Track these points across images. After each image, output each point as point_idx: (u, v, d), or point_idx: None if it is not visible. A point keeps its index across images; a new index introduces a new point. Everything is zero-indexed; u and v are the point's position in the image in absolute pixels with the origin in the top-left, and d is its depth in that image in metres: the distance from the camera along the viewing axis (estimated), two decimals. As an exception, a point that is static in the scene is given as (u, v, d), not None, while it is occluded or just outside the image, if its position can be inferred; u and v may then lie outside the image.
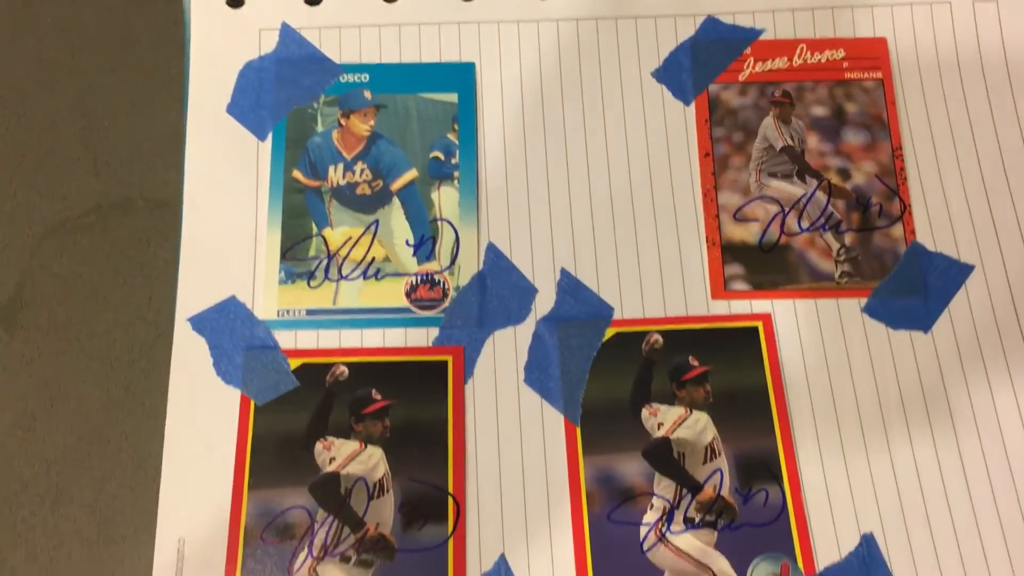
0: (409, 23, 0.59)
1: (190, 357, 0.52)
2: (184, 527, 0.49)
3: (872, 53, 0.59)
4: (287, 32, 0.58)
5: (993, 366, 0.53)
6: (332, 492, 0.50)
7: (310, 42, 0.58)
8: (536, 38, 0.59)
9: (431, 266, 0.55)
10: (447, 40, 0.59)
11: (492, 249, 0.55)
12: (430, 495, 0.50)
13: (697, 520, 0.50)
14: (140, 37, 0.60)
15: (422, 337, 0.53)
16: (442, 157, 0.57)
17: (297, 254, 0.55)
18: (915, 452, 0.51)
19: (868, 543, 0.50)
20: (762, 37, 0.59)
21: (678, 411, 0.52)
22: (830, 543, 0.50)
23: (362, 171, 0.56)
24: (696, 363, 0.53)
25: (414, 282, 0.54)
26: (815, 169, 0.57)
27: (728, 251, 0.55)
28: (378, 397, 0.52)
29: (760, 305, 0.54)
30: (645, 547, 0.49)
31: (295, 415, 0.51)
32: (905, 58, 0.59)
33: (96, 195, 0.56)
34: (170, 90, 0.58)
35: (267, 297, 0.54)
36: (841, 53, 0.59)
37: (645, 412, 0.52)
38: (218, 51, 0.58)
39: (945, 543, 0.50)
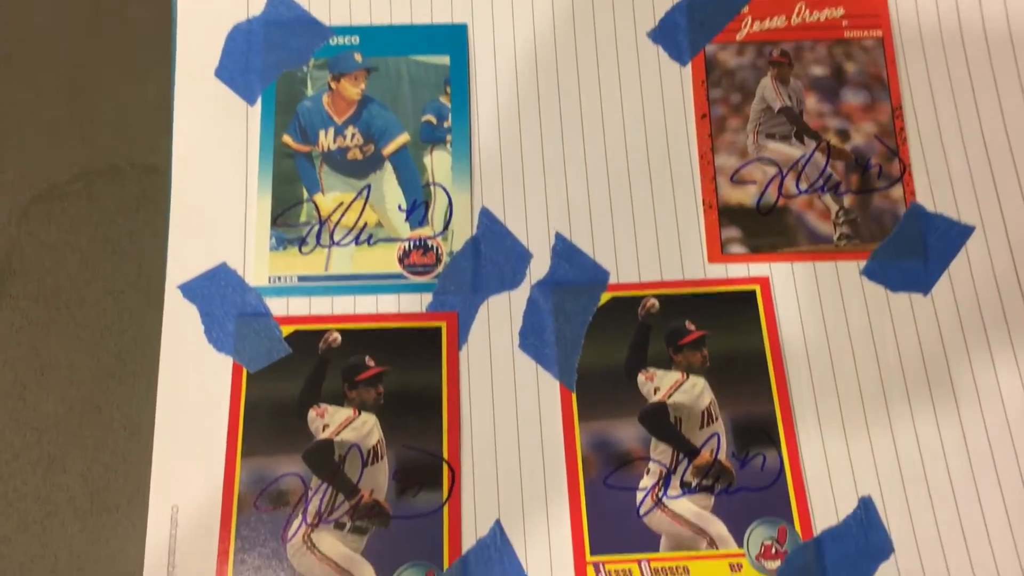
0: (400, -16, 0.58)
1: (181, 325, 0.52)
2: (177, 495, 0.49)
3: (872, 11, 0.58)
4: (276, -6, 0.58)
5: (993, 327, 0.53)
6: (326, 459, 0.50)
7: (299, 4, 0.58)
8: (529, -2, 0.58)
9: (424, 231, 0.54)
10: (438, 1, 0.58)
11: (486, 213, 0.54)
12: (424, 462, 0.50)
13: (694, 485, 0.50)
14: (126, 0, 0.59)
15: (415, 303, 0.53)
16: (434, 121, 0.56)
17: (288, 220, 0.54)
18: (913, 415, 0.51)
19: (866, 506, 0.49)
20: (760, -5, 0.58)
21: (675, 376, 0.52)
22: (828, 506, 0.50)
23: (353, 135, 0.56)
24: (693, 327, 0.52)
25: (407, 247, 0.54)
26: (814, 130, 0.56)
27: (725, 214, 0.55)
28: (371, 364, 0.51)
29: (758, 268, 0.54)
30: (642, 512, 0.49)
31: (288, 382, 0.51)
32: (905, 16, 0.58)
33: (84, 161, 0.56)
34: (157, 54, 0.57)
35: (258, 264, 0.53)
36: (840, 11, 0.58)
37: (641, 377, 0.52)
38: (206, 14, 0.57)
39: (943, 505, 0.49)
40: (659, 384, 0.51)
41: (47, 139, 0.56)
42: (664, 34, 0.58)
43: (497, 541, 0.49)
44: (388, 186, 0.55)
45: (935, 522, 0.49)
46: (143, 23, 0.58)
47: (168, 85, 0.57)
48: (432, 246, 0.54)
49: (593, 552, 0.48)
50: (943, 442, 0.50)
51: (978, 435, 0.51)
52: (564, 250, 0.54)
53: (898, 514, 0.49)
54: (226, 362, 0.51)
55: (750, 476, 0.50)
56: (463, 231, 0.54)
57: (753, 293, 0.53)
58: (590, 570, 0.48)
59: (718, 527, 0.49)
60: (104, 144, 0.56)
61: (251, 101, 0.56)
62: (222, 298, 0.52)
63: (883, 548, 0.49)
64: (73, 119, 0.56)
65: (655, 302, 0.53)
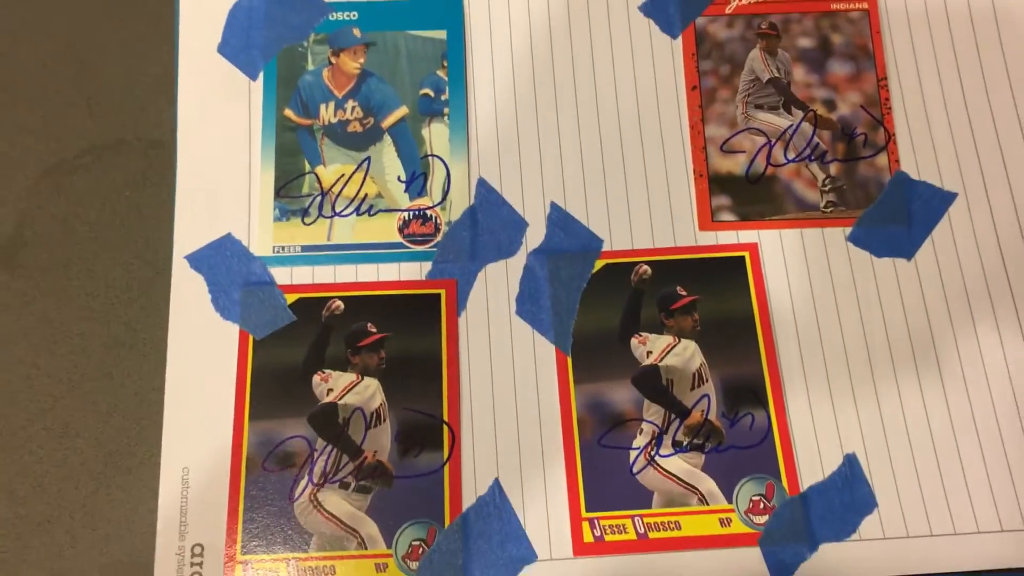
0: (397, -40, 0.59)
1: (189, 294, 0.53)
2: (188, 457, 0.51)
3: (858, -16, 0.59)
4: (275, -29, 0.59)
5: (973, 291, 0.54)
6: (331, 422, 0.51)
7: (299, -20, 0.59)
8: (524, -27, 0.59)
9: (423, 201, 0.55)
10: (435, -24, 0.59)
11: (483, 184, 0.56)
12: (425, 423, 0.51)
13: (685, 444, 0.52)
14: (129, -22, 0.60)
15: (415, 271, 0.54)
16: (432, 94, 0.57)
17: (291, 191, 0.55)
18: (897, 376, 0.53)
19: (851, 463, 0.51)
20: (749, -31, 0.60)
21: (667, 339, 0.53)
22: (814, 464, 0.51)
23: (353, 109, 0.57)
24: (684, 293, 0.54)
25: (406, 217, 0.55)
26: (801, 100, 0.58)
27: (715, 183, 0.56)
28: (373, 330, 0.53)
29: (747, 235, 0.55)
30: (635, 470, 0.51)
31: (293, 348, 0.53)
32: (891, -12, 0.60)
33: (91, 136, 0.57)
34: (160, 31, 0.59)
35: (262, 234, 0.55)
36: (827, -16, 0.59)
37: (634, 341, 0.53)
38: (207, -9, 0.59)
39: (925, 461, 0.51)
40: (651, 347, 0.53)
41: (55, 115, 0.57)
42: (655, 8, 0.59)
43: (496, 499, 0.51)
44: (388, 158, 0.56)
45: (917, 478, 0.51)
46: (146, 2, 0.59)
47: (171, 61, 0.58)
48: (431, 216, 0.55)
49: (588, 509, 0.50)
50: (925, 402, 0.52)
51: (959, 395, 0.52)
52: (559, 219, 0.55)
53: (881, 470, 0.51)
54: (233, 329, 0.53)
55: (739, 435, 0.52)
56: (461, 201, 0.56)
57: (742, 259, 0.55)
58: (585, 526, 0.50)
59: (708, 484, 0.51)
60: (110, 119, 0.57)
61: (253, 76, 0.57)
62: (228, 268, 0.54)
63: (867, 503, 0.50)
64: (79, 95, 0.58)
65: (647, 268, 0.54)
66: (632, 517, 0.50)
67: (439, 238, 0.55)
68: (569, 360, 0.53)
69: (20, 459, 0.51)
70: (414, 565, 0.49)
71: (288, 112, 0.57)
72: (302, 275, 0.54)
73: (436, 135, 0.56)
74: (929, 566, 0.49)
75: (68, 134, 0.57)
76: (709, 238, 0.55)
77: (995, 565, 0.50)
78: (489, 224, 0.55)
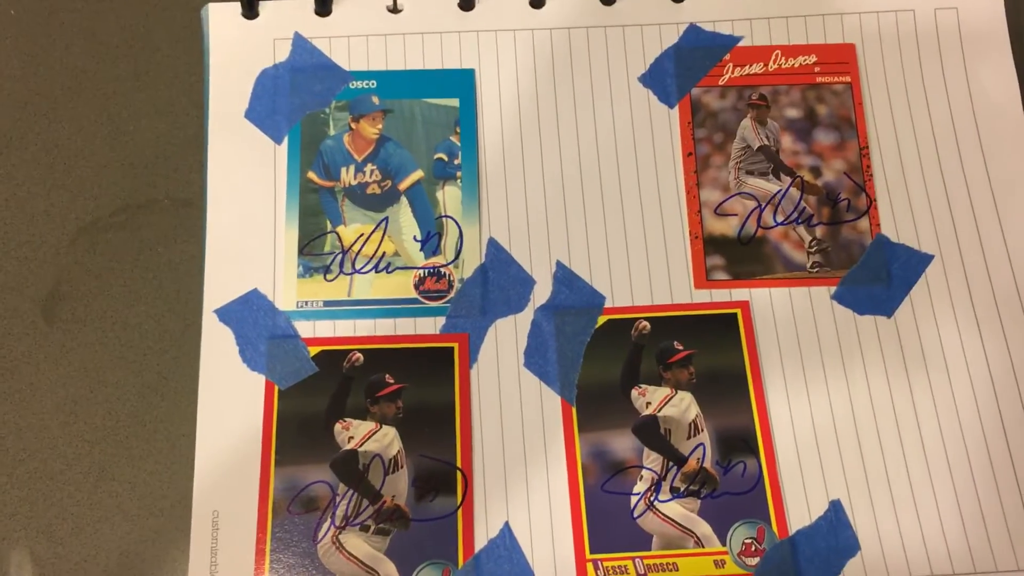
0: (413, 32, 0.63)
1: (218, 346, 0.57)
2: (217, 501, 0.54)
3: (841, 58, 0.64)
4: (299, 41, 0.62)
5: (949, 347, 0.58)
6: (351, 468, 0.55)
7: (321, 51, 0.62)
8: (531, 46, 0.63)
9: (437, 260, 0.59)
10: (448, 48, 0.63)
11: (493, 243, 0.60)
12: (440, 469, 0.55)
13: (682, 490, 0.55)
14: (160, 46, 0.64)
15: (430, 325, 0.58)
16: (445, 158, 0.61)
17: (313, 249, 0.59)
18: (878, 425, 0.56)
19: (835, 508, 0.55)
20: (740, 44, 0.64)
21: (664, 391, 0.57)
22: (801, 509, 0.55)
23: (372, 172, 0.61)
24: (681, 347, 0.58)
25: (422, 275, 0.59)
26: (789, 167, 0.62)
27: (710, 244, 0.60)
28: (391, 381, 0.56)
29: (739, 293, 0.59)
30: (635, 514, 0.55)
31: (315, 398, 0.56)
32: (872, 61, 0.64)
33: (124, 195, 0.60)
34: (190, 96, 0.62)
35: (287, 290, 0.58)
36: (813, 58, 0.64)
37: (634, 392, 0.57)
38: (235, 60, 0.62)
39: (904, 507, 0.55)
40: (651, 399, 0.57)
41: (90, 175, 0.61)
42: (654, 79, 0.63)
43: (506, 541, 0.54)
44: (404, 218, 0.60)
45: (897, 523, 0.54)
46: (176, 68, 0.63)
47: (201, 125, 0.61)
48: (444, 273, 0.59)
49: (592, 551, 0.54)
50: (904, 452, 0.56)
51: (936, 446, 0.56)
52: (564, 277, 0.59)
53: (864, 516, 0.54)
54: (259, 380, 0.56)
55: (732, 482, 0.55)
56: (472, 260, 0.59)
57: (735, 316, 0.58)
58: (590, 567, 0.53)
59: (704, 528, 0.54)
60: (143, 180, 0.61)
61: (278, 140, 0.61)
62: (254, 321, 0.57)
63: (850, 546, 0.54)
64: (114, 157, 0.61)
65: (647, 324, 0.58)
66: (633, 559, 0.54)
67: (452, 294, 0.58)
68: (574, 410, 0.56)
69: (59, 501, 0.55)
70: (430, 603, 0.53)
71: (311, 175, 0.60)
72: (324, 329, 0.58)
73: (450, 197, 0.60)
74: (908, 605, 0.53)
75: (103, 193, 0.60)
76: (704, 296, 0.59)
77: (969, 604, 0.53)
78: (499, 281, 0.59)
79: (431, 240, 0.59)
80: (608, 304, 0.58)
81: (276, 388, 0.56)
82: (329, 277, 0.58)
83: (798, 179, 0.61)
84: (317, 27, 0.63)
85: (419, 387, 0.56)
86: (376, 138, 0.61)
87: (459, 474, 0.55)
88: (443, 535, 0.53)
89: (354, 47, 0.63)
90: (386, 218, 0.60)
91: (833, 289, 0.59)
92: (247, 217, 0.59)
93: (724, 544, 0.54)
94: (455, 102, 0.62)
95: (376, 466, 0.55)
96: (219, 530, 0.53)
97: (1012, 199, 0.61)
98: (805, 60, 0.63)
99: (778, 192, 0.61)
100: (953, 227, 0.60)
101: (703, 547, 0.54)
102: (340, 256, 0.59)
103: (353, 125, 0.61)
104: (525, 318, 0.58)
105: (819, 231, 0.60)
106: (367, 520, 0.54)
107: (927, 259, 0.60)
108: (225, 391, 0.56)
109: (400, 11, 0.63)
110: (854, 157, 0.62)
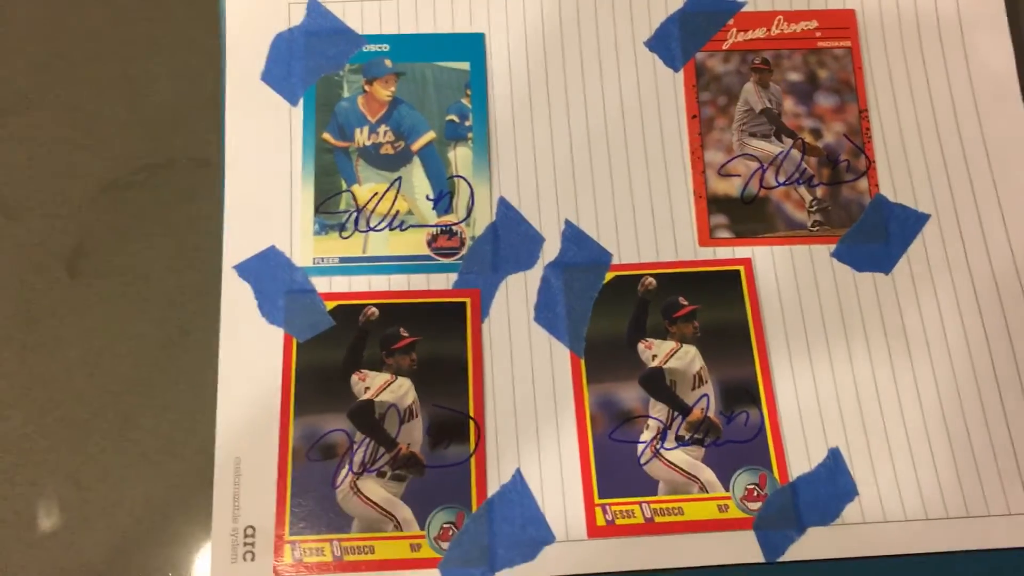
0: (424, -3, 0.65)
1: (237, 300, 0.58)
2: (240, 448, 0.55)
3: (842, 23, 0.65)
4: (314, 6, 0.64)
5: (944, 302, 0.60)
6: (368, 417, 0.56)
7: (335, 15, 0.64)
8: (540, 11, 0.65)
9: (449, 218, 0.61)
10: (459, 12, 0.64)
11: (503, 203, 0.61)
12: (454, 419, 0.57)
13: (687, 438, 0.57)
14: (177, 10, 0.65)
15: (443, 281, 0.60)
16: (457, 120, 0.63)
17: (329, 208, 0.61)
18: (875, 377, 0.58)
19: (834, 456, 0.57)
20: (744, 9, 0.65)
21: (670, 344, 0.59)
22: (801, 456, 0.57)
23: (385, 133, 0.62)
24: (686, 302, 0.59)
25: (435, 233, 0.60)
26: (790, 129, 0.63)
27: (713, 203, 0.62)
28: (405, 334, 0.58)
29: (742, 251, 0.61)
30: (642, 461, 0.56)
31: (332, 351, 0.58)
32: (871, 27, 0.65)
33: (145, 155, 0.62)
34: (207, 60, 0.64)
35: (303, 247, 0.60)
36: (814, 24, 0.65)
37: (641, 346, 0.59)
38: (251, 23, 0.63)
39: (900, 454, 0.57)
40: (656, 352, 0.58)
41: (111, 136, 0.62)
42: (659, 43, 0.65)
43: (518, 487, 0.56)
44: (417, 178, 0.62)
45: (893, 469, 0.56)
46: (192, 32, 0.64)
47: (217, 88, 0.63)
48: (456, 231, 0.60)
49: (601, 496, 0.55)
50: (900, 402, 0.57)
51: (931, 395, 0.58)
52: (573, 235, 0.61)
53: (861, 462, 0.56)
54: (277, 333, 0.58)
55: (735, 431, 0.57)
56: (483, 218, 0.61)
57: (738, 273, 0.60)
58: (598, 511, 0.55)
59: (708, 474, 0.56)
60: (162, 140, 0.62)
61: (294, 102, 0.62)
62: (272, 277, 0.59)
63: (849, 491, 0.56)
64: (134, 118, 0.63)
65: (652, 280, 0.60)
66: (640, 503, 0.55)
67: (464, 252, 0.60)
68: (583, 362, 0.58)
69: (85, 450, 0.56)
70: (445, 545, 0.54)
71: (326, 135, 0.62)
72: (340, 284, 0.59)
73: (461, 158, 0.62)
74: (904, 547, 0.55)
75: (124, 153, 0.62)
76: (708, 253, 0.61)
77: (962, 547, 0.55)
78: (509, 239, 0.61)
79: (443, 199, 0.61)
80: (615, 261, 0.60)
81: (294, 341, 0.58)
82: (344, 234, 0.60)
83: (799, 141, 0.63)
84: (331, -9, 0.64)
85: (432, 340, 0.58)
86: (389, 100, 0.63)
87: (472, 423, 0.56)
88: (457, 481, 0.55)
89: (367, 11, 0.64)
90: (399, 178, 0.61)
91: (833, 247, 0.61)
92: (264, 176, 0.61)
93: (727, 490, 0.56)
94: (466, 65, 0.63)
95: (392, 415, 0.56)
96: (241, 476, 0.55)
97: (1007, 159, 0.62)
98: (806, 25, 0.65)
99: (780, 153, 0.63)
100: (949, 188, 0.62)
101: (707, 493, 0.56)
102: (355, 214, 0.60)
103: (367, 87, 0.63)
104: (535, 275, 0.60)
105: (819, 191, 0.62)
106: (384, 467, 0.56)
107: (924, 218, 0.61)
108: (245, 343, 0.58)
109: (412, -24, 0.65)
110: (854, 120, 0.63)
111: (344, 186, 0.61)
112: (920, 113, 0.64)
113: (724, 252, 0.61)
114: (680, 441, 0.57)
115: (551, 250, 0.60)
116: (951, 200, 0.62)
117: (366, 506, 0.55)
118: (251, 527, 0.54)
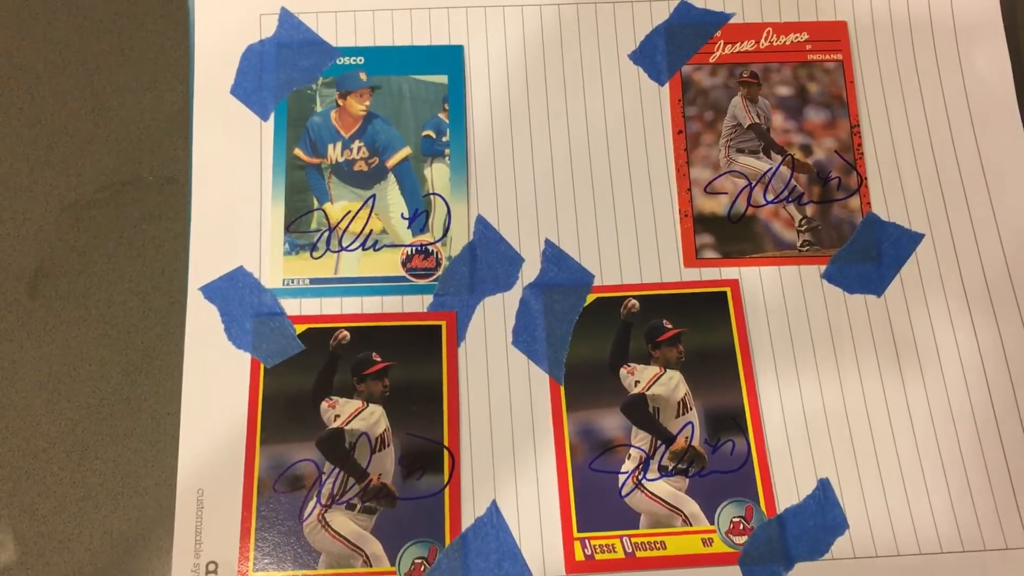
0: (401, 8, 0.62)
1: (203, 323, 0.56)
2: (202, 479, 0.53)
3: (833, 36, 0.63)
4: (286, 17, 0.62)
5: (939, 325, 0.58)
6: (337, 446, 0.54)
7: (308, 26, 0.62)
8: (520, 22, 0.63)
9: (425, 238, 0.59)
10: (437, 24, 0.63)
11: (481, 221, 0.59)
12: (427, 448, 0.55)
13: (670, 468, 0.55)
14: (145, 21, 0.63)
15: (417, 303, 0.58)
16: (433, 135, 0.61)
17: (300, 227, 0.58)
18: (867, 404, 0.56)
19: (824, 487, 0.55)
20: (731, 21, 0.63)
21: (653, 370, 0.57)
22: (790, 487, 0.55)
23: (359, 149, 0.60)
24: (670, 325, 0.57)
25: (409, 252, 0.58)
26: (780, 145, 0.61)
27: (699, 222, 0.60)
28: (378, 359, 0.56)
29: (728, 272, 0.59)
30: (623, 493, 0.54)
31: (301, 376, 0.56)
32: (864, 40, 0.63)
33: (109, 172, 0.60)
34: (175, 72, 0.62)
35: (273, 267, 0.58)
36: (804, 36, 0.63)
37: (623, 371, 0.57)
38: (221, 35, 0.62)
39: (893, 486, 0.55)
40: (639, 377, 0.57)
41: (74, 152, 0.60)
42: (644, 56, 0.63)
43: (493, 519, 0.54)
44: (392, 196, 0.60)
45: (885, 502, 0.54)
46: (161, 44, 0.62)
47: (186, 101, 0.61)
48: (432, 251, 0.58)
49: (580, 529, 0.53)
50: (893, 431, 0.56)
51: (924, 422, 0.56)
52: (553, 255, 0.59)
53: (852, 495, 0.54)
54: (245, 358, 0.56)
55: (721, 460, 0.55)
56: (461, 237, 0.59)
57: (724, 294, 0.58)
58: (577, 545, 0.53)
59: (692, 506, 0.54)
60: (127, 156, 0.60)
61: (264, 117, 0.60)
62: (240, 299, 0.57)
63: (839, 525, 0.54)
64: (98, 134, 0.61)
65: (636, 303, 0.58)
66: (621, 537, 0.53)
67: (440, 272, 0.58)
68: (562, 389, 0.56)
69: (42, 480, 0.54)
70: (416, 582, 0.52)
71: (298, 151, 0.60)
72: (310, 306, 0.57)
73: (438, 174, 0.60)
74: (896, 584, 0.53)
75: (87, 170, 0.60)
76: (693, 274, 0.59)
77: (957, 583, 0.53)
78: (487, 259, 0.59)
79: (419, 218, 0.59)
80: (597, 282, 0.58)
81: (262, 366, 0.56)
82: (316, 255, 0.58)
83: (789, 157, 0.61)
84: (304, 2, 0.62)
85: (406, 365, 0.56)
86: (363, 115, 0.61)
87: (446, 452, 0.54)
88: (430, 514, 0.53)
89: (342, 22, 0.62)
90: (373, 195, 0.59)
91: (823, 268, 0.59)
92: (233, 194, 0.59)
93: (712, 523, 0.54)
94: (443, 79, 0.62)
95: (363, 445, 0.54)
96: (204, 509, 0.53)
97: (1003, 178, 0.61)
98: (796, 37, 0.63)
99: (768, 170, 0.61)
100: (944, 206, 0.60)
101: (691, 526, 0.54)
102: (327, 233, 0.58)
103: (340, 101, 0.61)
104: (513, 296, 0.58)
105: (809, 209, 0.60)
106: (353, 498, 0.54)
107: (917, 238, 0.60)
108: (211, 369, 0.56)
109: (388, -14, 0.63)
110: (845, 135, 0.61)
111: (316, 204, 0.59)
112: (914, 128, 0.62)
113: (710, 273, 0.59)
114: (663, 471, 0.55)
115: (530, 271, 0.59)
116: (946, 219, 0.60)
117: (334, 540, 0.53)
118: (213, 562, 0.52)
